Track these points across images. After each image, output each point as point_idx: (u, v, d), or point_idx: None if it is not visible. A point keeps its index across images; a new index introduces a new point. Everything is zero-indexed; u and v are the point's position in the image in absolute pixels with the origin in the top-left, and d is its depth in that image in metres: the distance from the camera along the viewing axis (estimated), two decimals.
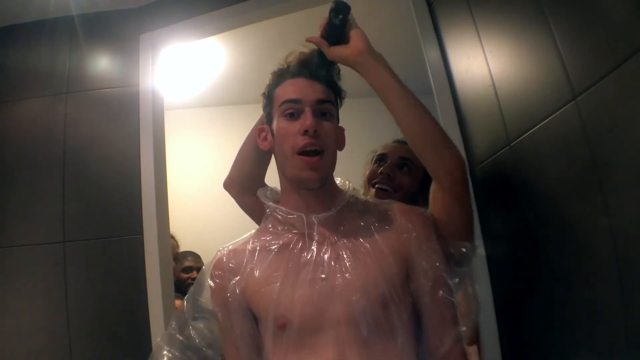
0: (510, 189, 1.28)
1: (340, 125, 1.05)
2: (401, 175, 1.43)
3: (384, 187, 1.39)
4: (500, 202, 1.37)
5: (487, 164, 1.39)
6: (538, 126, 1.09)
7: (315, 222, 0.95)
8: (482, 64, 1.34)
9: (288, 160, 0.95)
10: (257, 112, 1.12)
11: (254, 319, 0.96)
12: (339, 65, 1.06)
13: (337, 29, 1.02)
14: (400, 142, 1.49)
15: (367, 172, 1.47)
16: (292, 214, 0.97)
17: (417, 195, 1.42)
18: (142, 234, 1.68)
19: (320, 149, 0.93)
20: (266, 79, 1.12)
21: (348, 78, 1.09)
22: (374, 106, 1.24)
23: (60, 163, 1.78)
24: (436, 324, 0.92)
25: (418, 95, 1.08)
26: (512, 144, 1.22)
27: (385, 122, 1.21)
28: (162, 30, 1.91)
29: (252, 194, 1.13)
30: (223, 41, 2.38)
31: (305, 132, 0.92)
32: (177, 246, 2.00)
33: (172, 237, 1.98)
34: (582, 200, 0.97)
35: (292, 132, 0.94)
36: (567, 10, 0.96)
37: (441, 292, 0.91)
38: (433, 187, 1.09)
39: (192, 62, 2.60)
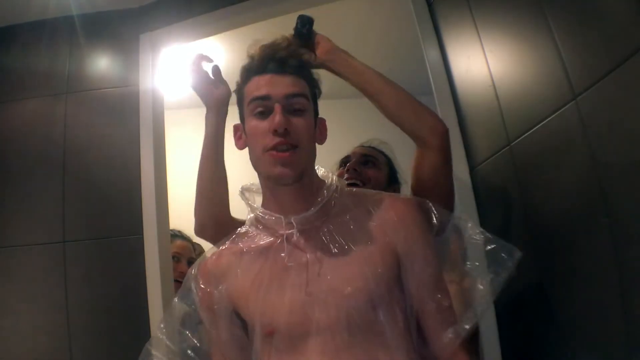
0: (510, 189, 1.28)
1: (323, 117, 1.00)
2: (366, 170, 1.46)
3: (352, 181, 1.40)
4: (500, 202, 1.37)
5: (487, 164, 1.39)
6: (538, 126, 1.09)
7: (295, 224, 0.91)
8: (482, 64, 1.34)
9: (259, 159, 0.91)
10: None
11: (242, 323, 0.94)
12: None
13: (305, 40, 1.14)
14: (361, 146, 1.56)
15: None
16: (272, 216, 0.93)
17: (386, 189, 1.42)
18: (142, 234, 1.68)
19: (293, 146, 0.88)
20: None
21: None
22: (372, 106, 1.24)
23: (60, 163, 1.78)
24: (434, 327, 0.88)
25: (418, 96, 1.10)
26: (512, 144, 1.22)
27: (383, 122, 1.21)
28: (162, 30, 1.91)
29: (228, 227, 1.07)
30: (223, 41, 2.38)
31: (275, 131, 0.87)
32: (194, 250, 1.98)
33: (190, 240, 1.95)
34: (582, 200, 0.97)
35: (262, 131, 0.89)
36: (567, 10, 0.96)
37: (438, 295, 0.88)
38: (417, 156, 1.13)
39: None
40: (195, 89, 1.12)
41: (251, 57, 0.96)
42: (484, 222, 1.42)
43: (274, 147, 0.88)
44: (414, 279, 0.89)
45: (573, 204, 1.01)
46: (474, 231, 0.93)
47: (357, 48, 1.19)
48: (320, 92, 1.00)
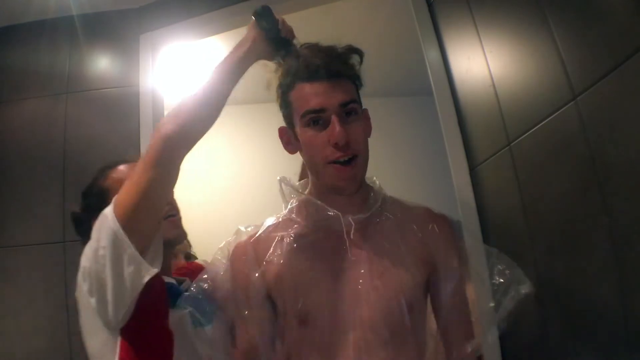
0: (510, 189, 1.28)
1: (365, 108, 0.99)
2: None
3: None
4: (500, 202, 1.37)
5: (487, 164, 1.39)
6: (538, 126, 1.09)
7: (353, 224, 0.93)
8: (482, 64, 1.34)
9: (320, 169, 0.92)
10: (257, 112, 1.12)
11: (273, 308, 0.96)
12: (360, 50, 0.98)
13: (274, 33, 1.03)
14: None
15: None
16: (330, 212, 0.94)
17: None
18: None
19: (354, 155, 0.90)
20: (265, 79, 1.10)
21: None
22: (379, 107, 1.24)
23: (60, 163, 1.78)
24: (456, 338, 0.92)
25: (418, 95, 1.08)
26: (512, 144, 1.22)
27: (389, 122, 1.22)
28: (162, 30, 1.91)
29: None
30: (224, 41, 2.38)
31: (336, 144, 0.87)
32: (189, 246, 2.01)
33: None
34: (582, 200, 0.97)
35: (321, 142, 0.89)
36: (567, 10, 0.96)
37: (464, 309, 0.92)
38: None
39: (192, 62, 2.59)
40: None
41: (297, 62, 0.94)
42: (484, 222, 1.42)
43: (336, 160, 0.89)
44: (445, 292, 0.93)
45: (573, 204, 1.01)
46: (499, 258, 0.96)
47: None
48: (361, 85, 0.98)
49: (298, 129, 0.94)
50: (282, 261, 0.94)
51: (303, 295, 0.91)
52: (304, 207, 0.98)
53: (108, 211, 0.91)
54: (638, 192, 0.81)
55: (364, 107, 0.98)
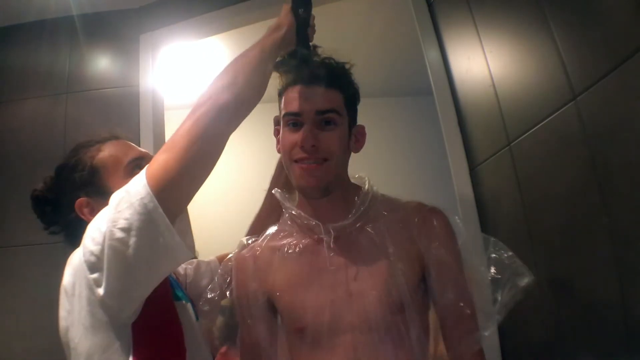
0: (510, 189, 1.28)
1: (362, 124, 1.00)
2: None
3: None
4: (500, 202, 1.37)
5: (487, 164, 1.39)
6: (538, 126, 1.09)
7: (332, 233, 0.94)
8: (482, 64, 1.35)
9: (289, 170, 0.95)
10: (257, 112, 1.11)
11: (274, 315, 0.99)
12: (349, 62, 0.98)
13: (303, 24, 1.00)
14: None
15: None
16: (311, 221, 0.95)
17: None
18: None
19: (322, 159, 0.91)
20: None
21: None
22: (379, 107, 1.23)
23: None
24: (456, 333, 0.90)
25: (418, 95, 1.08)
26: (512, 144, 1.22)
27: (389, 122, 1.21)
28: (162, 30, 1.92)
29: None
30: (224, 40, 2.38)
31: (302, 147, 0.90)
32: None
33: None
34: (582, 200, 0.97)
35: (291, 142, 0.92)
36: (567, 10, 0.96)
37: (461, 303, 0.90)
38: None
39: (192, 62, 2.59)
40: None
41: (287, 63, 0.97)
42: (484, 222, 1.42)
43: (302, 160, 0.91)
44: (439, 286, 0.92)
45: (573, 204, 1.01)
46: (496, 247, 0.95)
47: (357, 48, 1.17)
48: (359, 99, 0.99)
49: (281, 130, 0.97)
50: (276, 271, 0.97)
51: (296, 303, 0.93)
52: (295, 216, 0.99)
53: (137, 183, 0.79)
54: (638, 193, 0.81)
55: (361, 122, 1.00)
